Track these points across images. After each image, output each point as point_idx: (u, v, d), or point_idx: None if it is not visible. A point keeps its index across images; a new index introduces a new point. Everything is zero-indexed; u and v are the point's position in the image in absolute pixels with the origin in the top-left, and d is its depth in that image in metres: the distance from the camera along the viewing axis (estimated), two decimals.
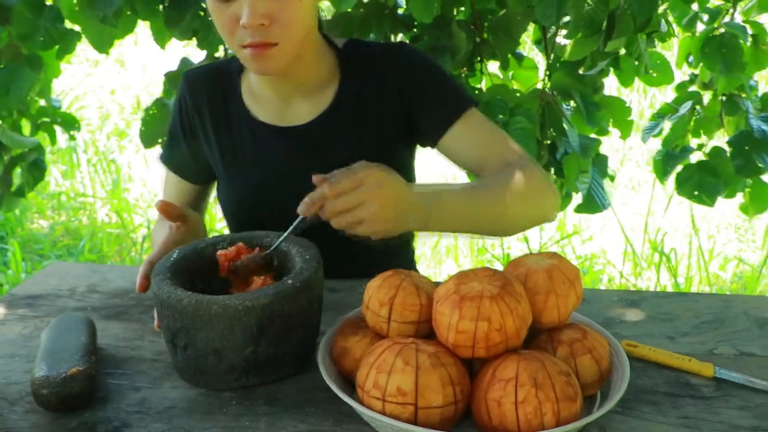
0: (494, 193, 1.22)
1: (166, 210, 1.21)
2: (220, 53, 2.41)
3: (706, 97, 2.70)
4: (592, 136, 2.49)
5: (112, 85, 5.26)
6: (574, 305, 1.02)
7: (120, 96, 5.03)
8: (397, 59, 1.37)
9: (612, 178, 2.81)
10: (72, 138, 2.98)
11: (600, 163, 2.64)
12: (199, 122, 1.43)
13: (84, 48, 6.19)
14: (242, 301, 0.99)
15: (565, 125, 2.38)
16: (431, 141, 1.38)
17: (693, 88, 2.78)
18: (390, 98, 1.37)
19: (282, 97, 1.38)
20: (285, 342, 1.04)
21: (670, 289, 3.26)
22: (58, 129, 2.86)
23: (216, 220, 3.80)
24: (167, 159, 1.51)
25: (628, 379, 0.98)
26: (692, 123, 2.73)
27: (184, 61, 2.52)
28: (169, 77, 2.51)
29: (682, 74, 2.97)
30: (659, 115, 2.75)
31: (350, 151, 1.26)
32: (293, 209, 1.11)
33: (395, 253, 1.53)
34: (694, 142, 2.70)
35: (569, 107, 2.51)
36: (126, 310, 1.29)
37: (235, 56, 1.40)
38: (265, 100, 1.39)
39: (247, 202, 1.43)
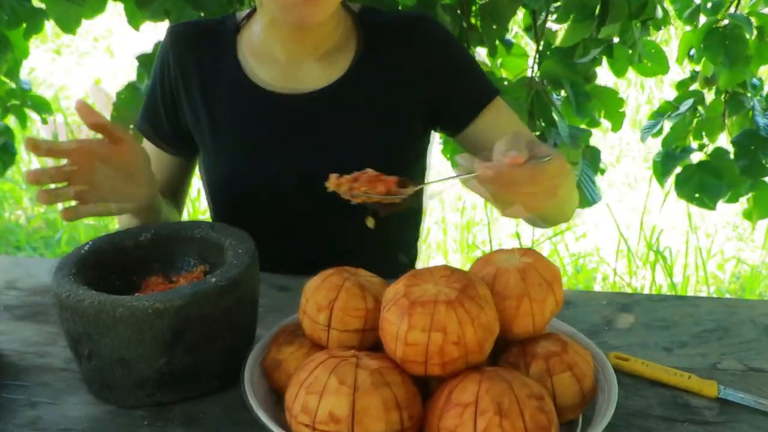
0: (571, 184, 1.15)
1: (85, 112, 0.95)
2: None
3: (709, 97, 2.54)
4: (583, 127, 2.33)
5: (99, 74, 5.08)
6: (552, 311, 0.83)
7: (107, 85, 4.84)
8: (421, 34, 1.21)
9: (603, 172, 2.67)
10: (44, 121, 2.80)
11: (591, 156, 2.50)
12: (183, 85, 1.23)
13: (73, 38, 6.02)
14: (152, 302, 0.81)
15: (554, 115, 2.22)
16: (455, 128, 1.23)
17: (694, 86, 2.62)
18: (412, 76, 1.20)
19: (293, 59, 1.19)
20: (207, 351, 0.86)
21: (665, 289, 3.08)
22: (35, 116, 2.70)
23: (199, 212, 3.62)
24: (142, 125, 1.29)
25: (615, 401, 0.79)
26: (694, 124, 2.58)
27: (159, 45, 2.35)
28: (142, 60, 2.34)
29: (681, 72, 2.81)
30: (659, 114, 2.59)
31: (365, 127, 1.14)
32: (291, 188, 1.05)
33: (396, 243, 1.34)
34: (695, 144, 2.54)
35: (559, 97, 2.35)
36: (44, 310, 1.11)
37: (227, 15, 1.24)
38: (270, 62, 1.19)
39: (237, 179, 1.22)
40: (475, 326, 0.74)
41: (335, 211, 1.02)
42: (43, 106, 2.80)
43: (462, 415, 0.70)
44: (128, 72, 2.33)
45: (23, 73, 2.75)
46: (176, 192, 1.32)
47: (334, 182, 0.91)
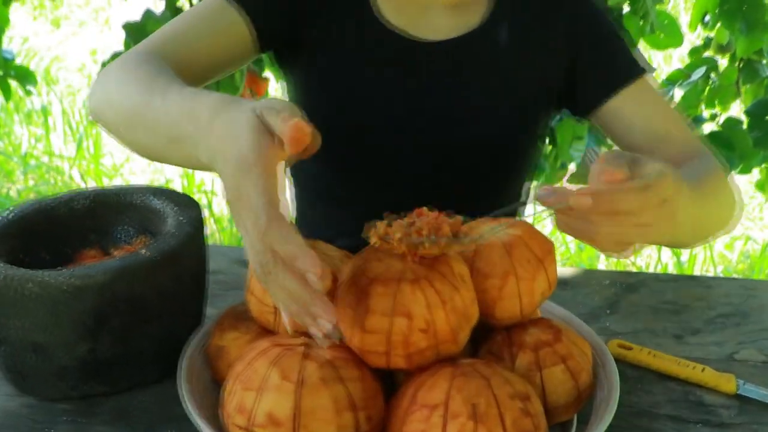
0: (712, 193, 0.87)
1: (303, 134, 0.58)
2: (182, 2, 2.11)
3: (722, 63, 2.38)
4: None
5: (95, 46, 4.92)
6: (543, 293, 0.70)
7: (101, 57, 4.70)
8: None
9: (610, 147, 2.53)
10: (28, 94, 2.66)
11: (597, 130, 2.37)
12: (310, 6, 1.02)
13: (73, 9, 5.86)
14: (68, 278, 0.67)
15: None
16: (591, 105, 1.02)
17: (708, 54, 2.46)
18: (556, 37, 1.03)
19: (425, 4, 1.02)
20: (139, 337, 0.73)
21: (671, 268, 2.94)
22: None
23: (194, 185, 3.48)
24: None
25: (617, 399, 0.66)
26: (706, 92, 2.42)
27: (147, 13, 2.22)
28: (128, 29, 2.20)
29: (695, 39, 2.65)
30: (669, 82, 2.44)
31: (494, 88, 1.00)
32: (401, 139, 0.94)
33: None
34: (707, 113, 2.39)
35: None
36: None
37: None
38: (400, 5, 1.03)
39: (342, 119, 1.03)
40: (448, 310, 0.60)
41: (450, 177, 0.90)
42: (26, 77, 2.67)
43: (429, 419, 0.57)
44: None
45: (5, 42, 2.62)
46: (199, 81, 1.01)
47: (381, 230, 0.61)
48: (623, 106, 1.00)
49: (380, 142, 1.02)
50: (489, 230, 0.69)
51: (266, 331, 0.70)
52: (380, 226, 0.60)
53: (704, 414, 0.74)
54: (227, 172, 0.58)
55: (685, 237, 0.84)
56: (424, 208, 0.62)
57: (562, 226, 0.64)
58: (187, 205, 0.81)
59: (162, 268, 0.71)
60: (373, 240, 0.60)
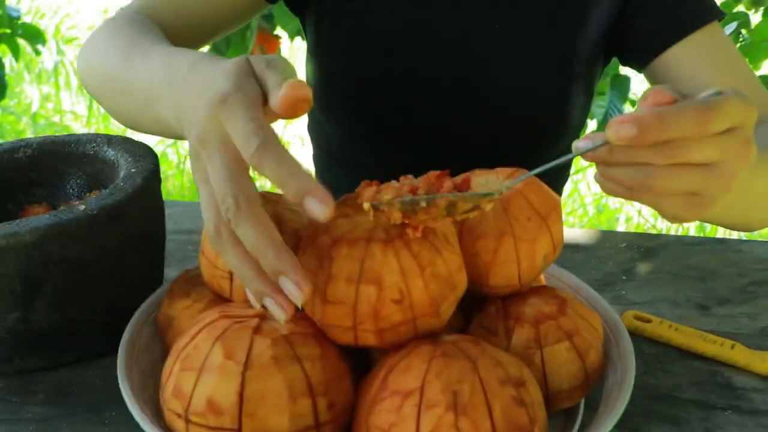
0: None
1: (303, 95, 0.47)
2: None
3: (755, 19, 2.22)
4: None
5: (107, 5, 4.80)
6: (547, 256, 0.59)
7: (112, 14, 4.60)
8: None
9: (633, 103, 2.40)
10: (37, 53, 2.57)
11: (620, 85, 2.26)
12: None
13: None
14: None
15: None
16: (650, 53, 0.88)
17: (740, 8, 2.30)
18: None
19: None
20: (80, 305, 0.62)
21: (692, 232, 2.80)
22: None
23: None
24: None
25: (632, 382, 0.55)
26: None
27: None
28: None
29: None
30: None
31: (538, 42, 0.87)
32: (422, 97, 0.83)
33: None
34: None
35: None
36: None
37: None
38: None
39: (359, 72, 0.91)
40: (427, 277, 0.49)
41: (483, 139, 0.80)
42: (35, 36, 2.58)
43: (400, 410, 0.46)
44: None
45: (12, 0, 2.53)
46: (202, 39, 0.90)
47: (370, 193, 0.49)
48: (686, 55, 0.85)
49: (404, 96, 0.90)
50: (500, 184, 0.57)
51: (221, 299, 0.59)
52: (369, 189, 0.49)
53: (733, 399, 0.63)
54: (197, 115, 0.47)
55: (736, 211, 0.72)
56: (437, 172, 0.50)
57: (608, 184, 0.51)
58: (142, 155, 0.70)
59: (103, 225, 0.61)
60: (365, 207, 0.48)
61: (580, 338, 0.56)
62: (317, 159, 1.06)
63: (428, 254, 0.49)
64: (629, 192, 0.51)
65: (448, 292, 0.51)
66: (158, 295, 0.64)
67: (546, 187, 0.59)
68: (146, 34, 0.71)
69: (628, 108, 2.32)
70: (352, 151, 0.97)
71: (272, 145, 0.44)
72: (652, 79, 0.89)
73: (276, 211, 0.58)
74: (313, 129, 1.05)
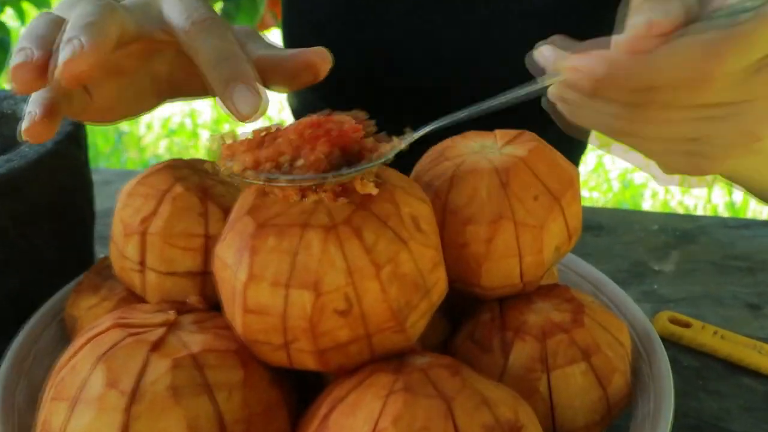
0: None
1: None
2: None
3: None
4: None
5: None
6: (559, 248, 0.44)
7: None
8: None
9: None
10: None
11: None
12: None
13: None
14: None
15: None
16: None
17: None
18: None
19: None
20: None
21: (722, 209, 2.62)
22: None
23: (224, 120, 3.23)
24: None
25: (670, 415, 0.40)
26: None
27: None
28: None
29: None
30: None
31: None
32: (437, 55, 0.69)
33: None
34: None
35: None
36: None
37: None
38: None
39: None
40: (386, 278, 0.34)
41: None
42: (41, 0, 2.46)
43: None
44: None
45: None
46: None
47: (221, 150, 0.36)
48: None
49: (399, 51, 0.74)
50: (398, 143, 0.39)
51: (134, 297, 0.45)
52: (217, 140, 0.35)
53: None
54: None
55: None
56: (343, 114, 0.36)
57: (560, 112, 0.38)
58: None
59: None
60: (210, 168, 0.34)
61: (601, 358, 0.41)
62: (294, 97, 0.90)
63: (389, 245, 0.35)
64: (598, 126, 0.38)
65: (418, 299, 0.36)
66: (64, 291, 0.50)
67: (560, 155, 0.44)
68: None
69: None
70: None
71: (219, 22, 0.37)
72: None
73: (204, 184, 0.43)
74: (292, 98, 0.90)
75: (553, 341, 0.41)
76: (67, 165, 0.52)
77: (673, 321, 0.57)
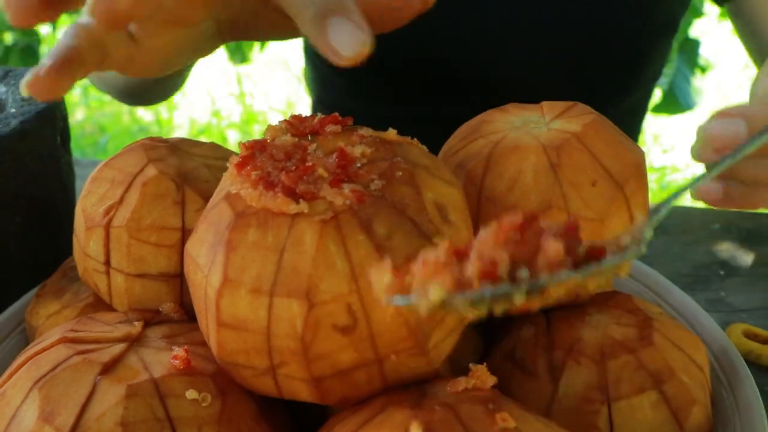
0: None
1: None
2: None
3: None
4: None
5: None
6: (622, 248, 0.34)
7: None
8: None
9: (704, 70, 2.11)
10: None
11: (689, 50, 2.00)
12: None
13: None
14: None
15: None
16: None
17: None
18: None
19: None
20: None
21: None
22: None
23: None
24: None
25: None
26: None
27: None
28: None
29: None
30: None
31: None
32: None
33: None
34: None
35: None
36: None
37: None
38: None
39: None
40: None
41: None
42: None
43: None
44: None
45: None
46: None
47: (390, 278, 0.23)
48: None
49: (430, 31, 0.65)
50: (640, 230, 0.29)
51: (102, 304, 0.37)
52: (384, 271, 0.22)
53: None
54: None
55: None
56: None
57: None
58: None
59: None
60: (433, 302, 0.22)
61: (676, 385, 0.32)
62: (314, 112, 0.82)
63: (406, 242, 0.26)
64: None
65: (444, 312, 0.27)
66: (27, 297, 0.42)
67: (622, 132, 0.35)
68: None
69: (698, 78, 2.04)
70: (355, 101, 0.73)
71: None
72: (736, 18, 0.64)
73: (183, 166, 0.35)
74: (310, 77, 0.81)
75: (615, 364, 0.32)
76: (36, 148, 0.44)
77: (749, 335, 0.47)
